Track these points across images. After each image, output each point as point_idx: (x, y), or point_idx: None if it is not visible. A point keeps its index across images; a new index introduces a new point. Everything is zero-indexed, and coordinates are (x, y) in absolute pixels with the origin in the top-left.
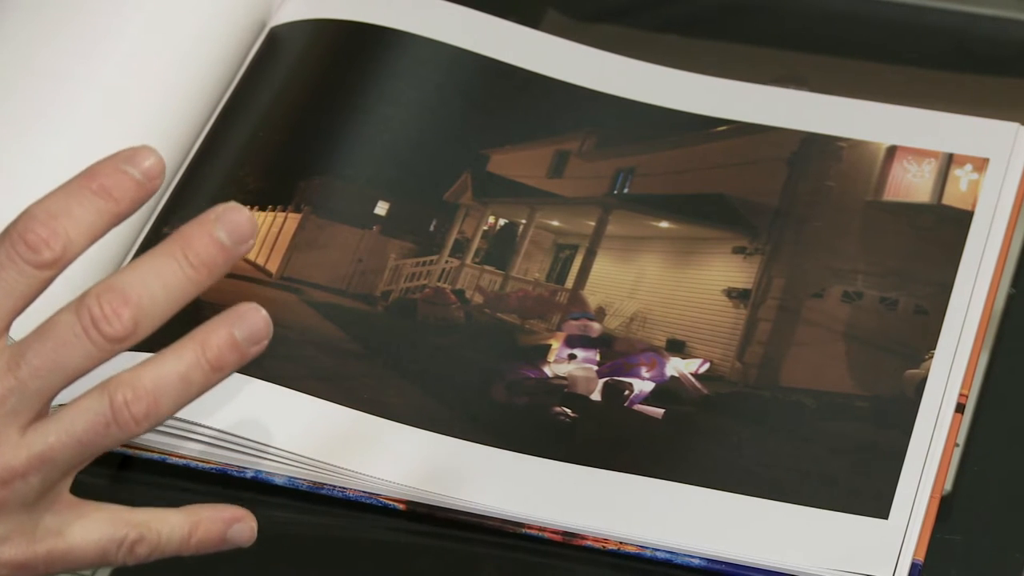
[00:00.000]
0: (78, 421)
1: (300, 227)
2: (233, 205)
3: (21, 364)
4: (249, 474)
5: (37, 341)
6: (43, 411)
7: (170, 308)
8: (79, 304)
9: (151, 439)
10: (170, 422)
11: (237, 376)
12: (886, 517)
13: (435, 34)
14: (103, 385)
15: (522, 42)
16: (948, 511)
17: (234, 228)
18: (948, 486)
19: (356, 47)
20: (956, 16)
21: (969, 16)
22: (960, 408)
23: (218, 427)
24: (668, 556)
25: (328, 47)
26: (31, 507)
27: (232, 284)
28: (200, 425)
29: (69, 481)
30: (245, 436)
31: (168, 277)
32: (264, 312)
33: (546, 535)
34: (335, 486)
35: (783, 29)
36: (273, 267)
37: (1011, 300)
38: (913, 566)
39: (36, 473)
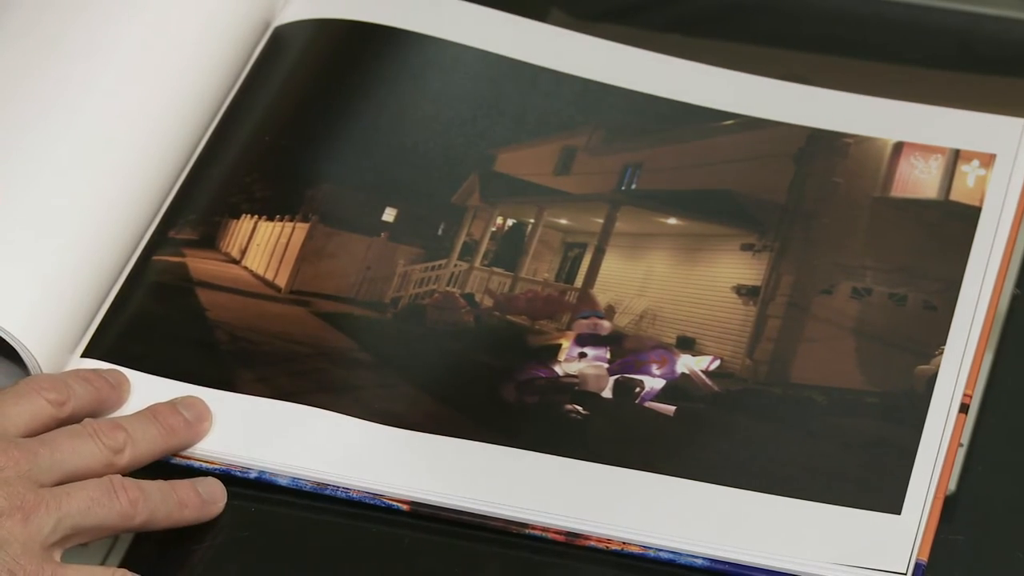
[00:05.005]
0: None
1: (308, 237)
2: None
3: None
4: (253, 474)
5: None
6: None
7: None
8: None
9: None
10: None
11: (246, 398)
12: (899, 513)
13: (440, 32)
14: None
15: (528, 36)
16: (952, 511)
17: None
18: (952, 486)
19: (360, 47)
20: (960, 16)
21: (973, 16)
22: (964, 408)
23: (229, 452)
24: (671, 556)
25: (332, 47)
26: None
27: (241, 301)
28: (209, 452)
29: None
30: (256, 459)
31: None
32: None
33: (550, 536)
34: (339, 486)
35: (787, 29)
36: (282, 281)
37: (1015, 301)
38: (917, 566)
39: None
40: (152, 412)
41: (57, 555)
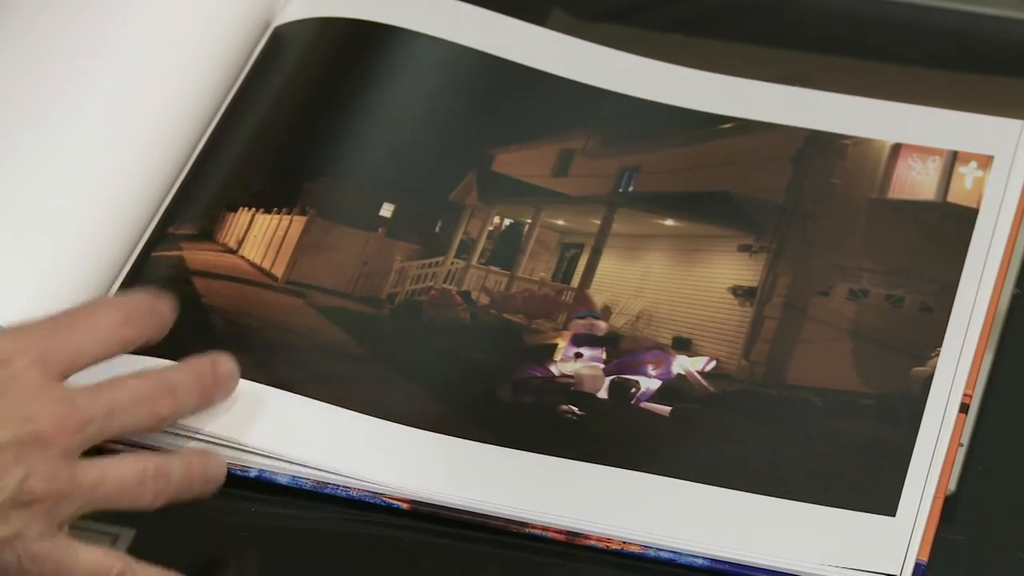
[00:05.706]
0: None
1: (306, 230)
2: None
3: None
4: (253, 473)
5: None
6: None
7: None
8: None
9: (155, 439)
10: (174, 426)
11: (243, 382)
12: (893, 514)
13: (440, 32)
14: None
15: (527, 40)
16: (952, 511)
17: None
18: (952, 486)
19: (361, 46)
20: (960, 16)
21: (973, 16)
22: (964, 408)
23: (223, 433)
24: (672, 556)
25: (333, 46)
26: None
27: (237, 288)
28: (204, 433)
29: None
30: (249, 443)
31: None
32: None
33: (550, 535)
34: (339, 485)
35: (787, 29)
36: (279, 271)
37: (1015, 300)
38: (917, 566)
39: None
40: (196, 372)
41: (66, 528)
